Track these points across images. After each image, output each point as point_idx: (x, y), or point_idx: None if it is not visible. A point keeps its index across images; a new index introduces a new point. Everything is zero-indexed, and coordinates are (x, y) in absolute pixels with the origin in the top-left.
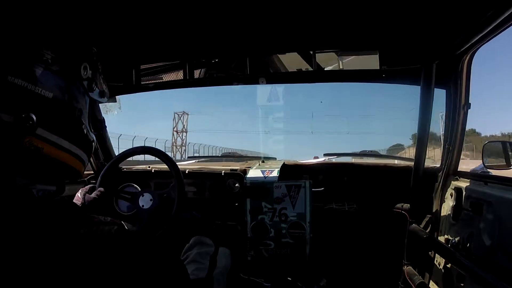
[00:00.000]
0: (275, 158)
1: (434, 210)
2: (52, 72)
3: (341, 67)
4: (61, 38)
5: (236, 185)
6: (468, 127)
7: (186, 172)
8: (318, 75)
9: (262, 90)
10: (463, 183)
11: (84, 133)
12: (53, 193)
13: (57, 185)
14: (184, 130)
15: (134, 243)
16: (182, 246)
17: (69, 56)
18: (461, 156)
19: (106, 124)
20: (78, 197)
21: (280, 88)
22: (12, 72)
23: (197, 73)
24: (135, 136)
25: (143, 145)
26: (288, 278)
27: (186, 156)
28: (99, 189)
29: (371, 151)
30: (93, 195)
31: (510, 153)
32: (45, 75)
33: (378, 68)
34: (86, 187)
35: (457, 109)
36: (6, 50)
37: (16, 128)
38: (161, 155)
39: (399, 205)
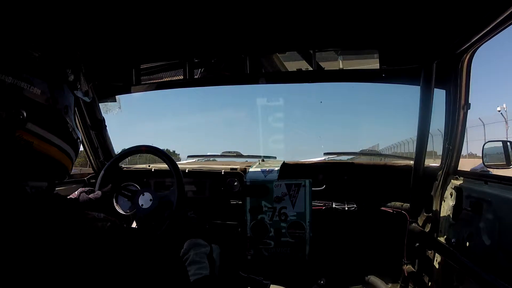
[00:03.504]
0: (275, 157)
1: (434, 210)
2: (39, 69)
3: (341, 66)
4: (49, 38)
5: (236, 184)
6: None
7: (186, 171)
8: (318, 75)
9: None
10: (463, 183)
11: (70, 130)
12: (45, 190)
13: (48, 182)
14: None
15: (127, 239)
16: (176, 244)
17: (55, 55)
18: None
19: (106, 124)
20: (74, 195)
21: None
22: (2, 70)
23: (197, 73)
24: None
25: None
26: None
27: None
28: (97, 192)
29: (371, 150)
30: (90, 195)
31: (510, 153)
32: (33, 72)
33: (378, 68)
34: (85, 188)
35: (457, 109)
36: None
37: (7, 122)
38: (161, 154)
39: (392, 204)
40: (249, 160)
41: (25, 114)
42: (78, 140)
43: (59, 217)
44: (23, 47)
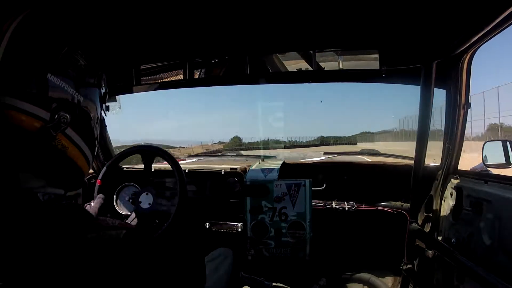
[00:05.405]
0: (275, 157)
1: (434, 210)
2: (84, 77)
3: (341, 66)
4: (91, 47)
5: (236, 183)
6: None
7: (186, 171)
8: (318, 75)
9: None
10: (463, 182)
11: (95, 139)
12: (60, 197)
13: (65, 190)
14: None
15: (143, 248)
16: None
17: (95, 66)
18: None
19: (106, 124)
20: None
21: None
22: (52, 70)
23: (197, 73)
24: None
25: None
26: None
27: None
28: (99, 196)
29: (371, 150)
30: (96, 204)
31: (510, 152)
32: (78, 79)
33: (378, 68)
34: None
35: (457, 108)
36: (48, 51)
37: (51, 124)
38: (163, 154)
39: (392, 204)
40: (249, 159)
41: (68, 117)
42: (96, 150)
43: (72, 225)
44: (72, 52)
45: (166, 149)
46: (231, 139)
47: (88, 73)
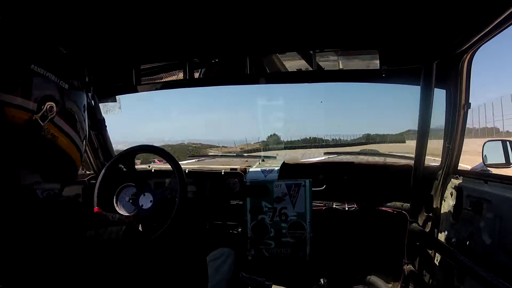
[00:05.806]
0: (275, 157)
1: (434, 209)
2: (66, 66)
3: (341, 66)
4: (73, 38)
5: (236, 184)
6: None
7: (186, 171)
8: (318, 75)
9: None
10: (463, 182)
11: (85, 129)
12: (57, 193)
13: (61, 184)
14: None
15: (145, 247)
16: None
17: (78, 55)
18: None
19: (106, 124)
20: None
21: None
22: (35, 61)
23: (197, 73)
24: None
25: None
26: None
27: None
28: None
29: (371, 150)
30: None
31: (510, 152)
32: (62, 68)
33: (378, 68)
34: None
35: (457, 108)
36: (29, 42)
37: (38, 114)
38: (163, 154)
39: (392, 204)
40: (249, 160)
41: (55, 106)
42: (85, 139)
43: (71, 223)
44: (53, 42)
45: (209, 148)
46: (268, 137)
47: (70, 62)
